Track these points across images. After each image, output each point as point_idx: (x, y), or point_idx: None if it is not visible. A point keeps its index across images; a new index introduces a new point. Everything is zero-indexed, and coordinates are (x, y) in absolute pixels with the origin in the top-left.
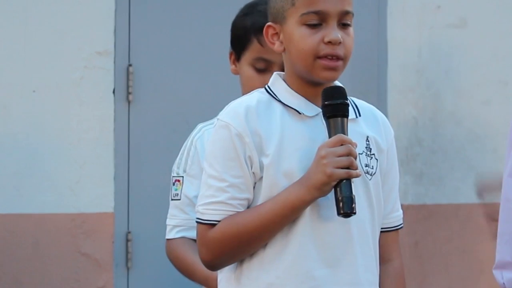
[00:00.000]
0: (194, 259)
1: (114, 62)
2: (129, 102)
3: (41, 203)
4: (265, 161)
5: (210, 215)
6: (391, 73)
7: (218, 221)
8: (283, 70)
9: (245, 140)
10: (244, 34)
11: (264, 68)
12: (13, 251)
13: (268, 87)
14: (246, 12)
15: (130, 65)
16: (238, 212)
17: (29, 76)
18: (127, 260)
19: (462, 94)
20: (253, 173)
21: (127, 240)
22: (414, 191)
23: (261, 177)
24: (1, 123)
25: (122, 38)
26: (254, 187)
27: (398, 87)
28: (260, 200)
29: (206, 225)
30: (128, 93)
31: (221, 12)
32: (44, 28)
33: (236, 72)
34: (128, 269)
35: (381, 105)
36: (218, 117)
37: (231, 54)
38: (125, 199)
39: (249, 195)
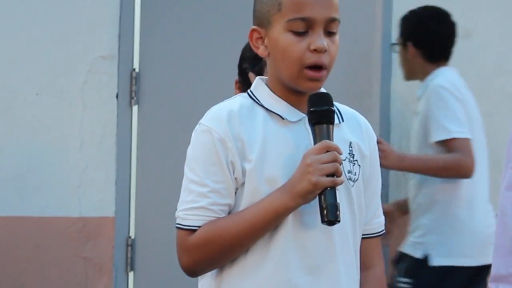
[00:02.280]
0: None
1: (118, 66)
2: (132, 106)
3: (43, 206)
4: (248, 166)
5: (191, 221)
6: (395, 83)
7: (199, 226)
8: None
9: (227, 145)
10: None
11: None
12: (14, 254)
13: (251, 91)
14: None
15: (133, 69)
16: (219, 217)
17: (32, 80)
18: (127, 264)
19: None
20: (235, 178)
21: (128, 245)
22: None
23: (243, 183)
24: (4, 125)
25: (126, 43)
26: (235, 193)
27: (401, 97)
28: (242, 206)
29: (187, 230)
30: (131, 97)
31: (226, 16)
32: (48, 32)
33: None
34: (128, 273)
35: (385, 115)
36: (200, 121)
37: (236, 82)
38: (126, 203)
39: (231, 201)
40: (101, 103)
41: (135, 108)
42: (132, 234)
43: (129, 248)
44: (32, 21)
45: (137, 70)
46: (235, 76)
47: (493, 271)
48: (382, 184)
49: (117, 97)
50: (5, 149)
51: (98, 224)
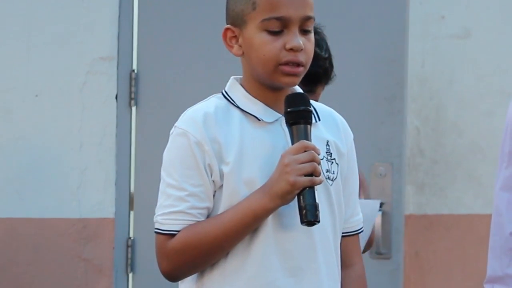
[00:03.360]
0: None
1: (117, 67)
2: (131, 108)
3: (42, 208)
4: (225, 169)
5: (170, 225)
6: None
7: (178, 231)
8: None
9: (204, 148)
10: None
11: None
12: (14, 255)
13: (226, 92)
14: None
15: (133, 70)
16: (198, 221)
17: (31, 81)
18: (127, 266)
19: (465, 105)
20: (213, 181)
21: (128, 246)
22: (415, 201)
23: (221, 186)
24: (3, 127)
25: (125, 44)
26: (214, 196)
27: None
28: (220, 209)
29: (166, 235)
30: (131, 98)
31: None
32: (47, 33)
33: None
34: (128, 275)
35: None
36: (175, 124)
37: None
38: (126, 205)
39: (209, 204)
40: (100, 104)
41: (134, 109)
42: (132, 235)
43: (129, 249)
44: (31, 23)
45: (136, 71)
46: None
47: (488, 272)
48: None
49: (116, 98)
50: (4, 150)
51: (98, 226)
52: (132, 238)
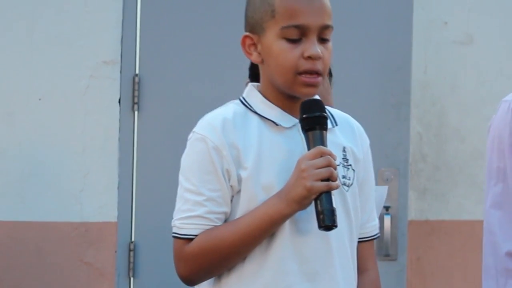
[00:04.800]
0: None
1: (121, 71)
2: (134, 111)
3: (45, 211)
4: (243, 174)
5: (188, 230)
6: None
7: (196, 235)
8: None
9: (222, 153)
10: None
11: None
12: (16, 259)
13: (244, 98)
14: None
15: (136, 75)
16: (216, 226)
17: (35, 84)
18: (129, 269)
19: (467, 111)
20: (231, 186)
21: (130, 250)
22: (417, 207)
23: (239, 190)
24: (6, 130)
25: (128, 48)
26: (231, 201)
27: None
28: (238, 213)
29: (184, 239)
30: (134, 103)
31: (229, 21)
32: (50, 37)
33: None
34: (130, 278)
35: None
36: (194, 129)
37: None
38: (128, 208)
39: (227, 209)
40: (103, 108)
41: (137, 113)
42: (134, 239)
43: (131, 253)
44: (34, 26)
45: (139, 75)
46: (238, 81)
47: None
48: None
49: (119, 102)
50: (8, 153)
51: (100, 229)
52: (134, 242)
